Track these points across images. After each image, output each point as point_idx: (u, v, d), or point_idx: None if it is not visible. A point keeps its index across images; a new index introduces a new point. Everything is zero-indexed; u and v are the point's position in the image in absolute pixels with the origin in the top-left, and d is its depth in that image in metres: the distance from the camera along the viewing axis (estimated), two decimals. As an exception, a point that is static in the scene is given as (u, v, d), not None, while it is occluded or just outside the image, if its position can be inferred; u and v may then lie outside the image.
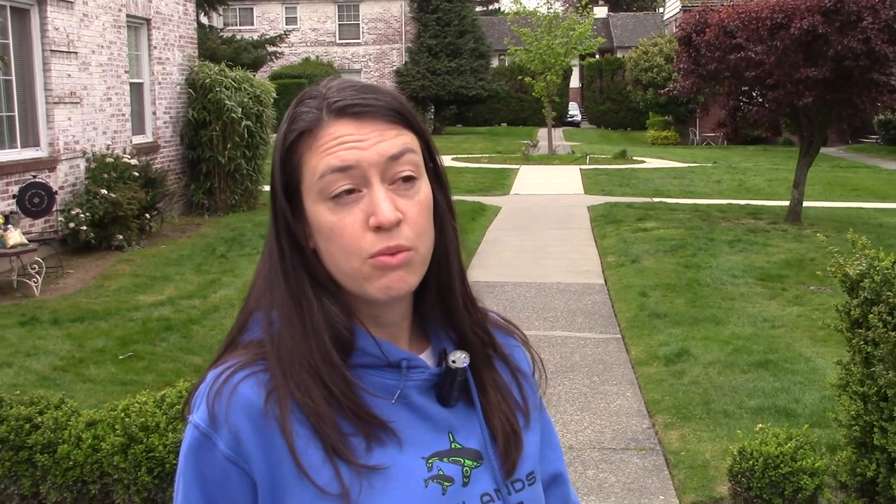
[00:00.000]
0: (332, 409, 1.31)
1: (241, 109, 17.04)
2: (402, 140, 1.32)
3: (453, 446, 1.39)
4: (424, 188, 1.35)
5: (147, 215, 14.35)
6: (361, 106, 1.32)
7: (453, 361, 1.40)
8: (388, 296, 1.33)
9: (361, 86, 1.36)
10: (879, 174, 28.63)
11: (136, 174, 14.17)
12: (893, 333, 4.75)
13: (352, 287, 1.34)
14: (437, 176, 1.41)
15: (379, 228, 1.29)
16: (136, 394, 5.49)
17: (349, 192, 1.30)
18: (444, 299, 1.44)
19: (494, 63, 55.68)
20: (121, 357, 8.21)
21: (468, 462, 1.39)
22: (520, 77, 38.65)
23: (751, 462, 4.83)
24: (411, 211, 1.31)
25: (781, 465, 4.77)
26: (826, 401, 6.87)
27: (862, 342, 5.04)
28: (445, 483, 1.36)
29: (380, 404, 1.35)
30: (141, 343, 8.68)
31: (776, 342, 8.80)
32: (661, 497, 5.57)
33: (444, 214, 1.41)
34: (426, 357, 1.44)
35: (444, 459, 1.37)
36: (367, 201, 1.30)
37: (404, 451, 1.34)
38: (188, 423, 1.34)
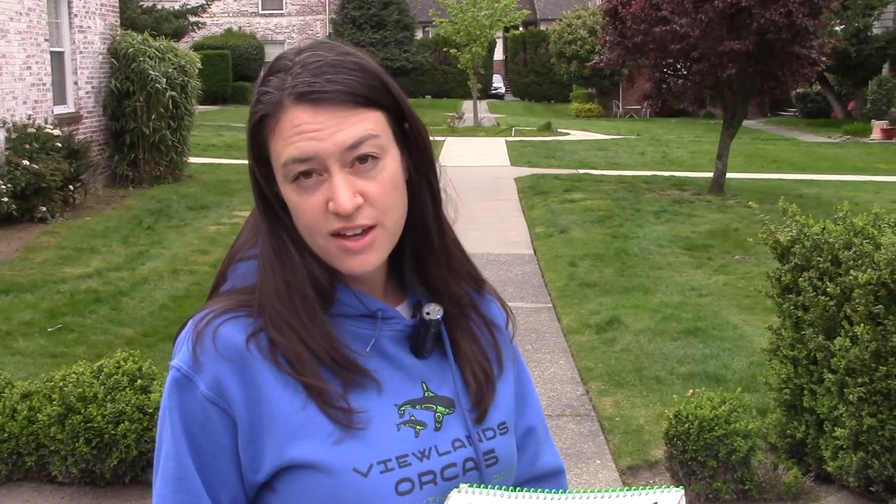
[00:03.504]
0: (311, 355, 1.35)
1: (165, 80, 16.77)
2: (361, 128, 1.33)
3: (426, 394, 1.44)
4: (390, 165, 1.37)
5: (71, 187, 14.08)
6: (319, 93, 1.32)
7: (427, 313, 1.45)
8: (354, 274, 1.39)
9: (327, 63, 1.35)
10: (798, 146, 29.18)
11: (59, 145, 13.89)
12: (823, 298, 4.88)
13: (322, 258, 1.40)
14: (412, 139, 1.43)
15: (336, 213, 1.33)
16: (72, 365, 5.43)
17: (307, 174, 1.33)
18: (419, 258, 1.47)
19: (419, 35, 55.50)
20: (50, 329, 8.08)
21: (440, 409, 1.44)
22: (445, 49, 38.68)
23: (686, 425, 4.94)
24: (374, 190, 1.34)
25: (716, 428, 4.88)
26: (754, 366, 7.03)
27: (792, 307, 5.18)
28: (418, 427, 1.41)
29: (356, 352, 1.39)
30: (70, 315, 8.55)
31: (704, 310, 8.96)
32: (598, 461, 5.67)
33: (418, 180, 1.44)
34: (402, 310, 1.48)
35: (417, 406, 1.42)
36: (328, 187, 1.33)
37: (379, 398, 1.39)
38: (170, 367, 1.38)
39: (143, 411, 5.00)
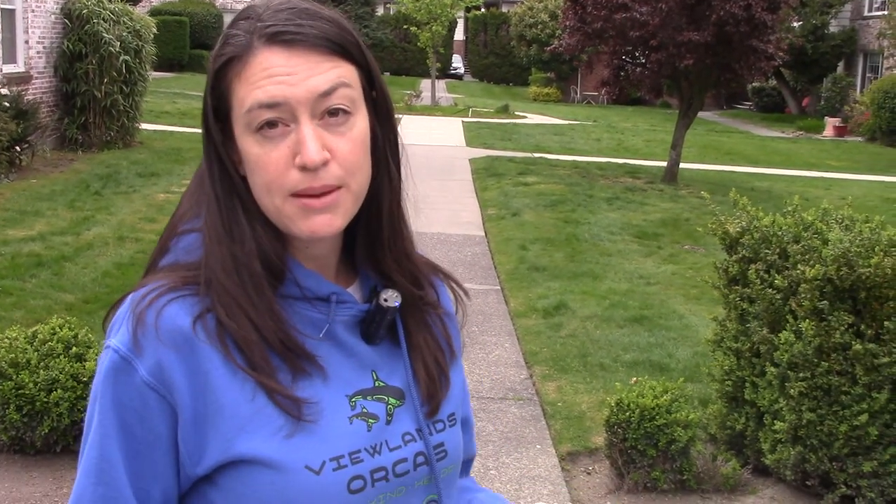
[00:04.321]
0: (260, 338, 1.25)
1: (119, 43, 16.48)
2: (335, 73, 1.25)
3: (377, 384, 1.35)
4: (360, 123, 1.29)
5: (17, 148, 13.81)
6: (293, 34, 1.24)
7: (385, 300, 1.36)
8: (312, 237, 1.28)
9: (300, 9, 1.27)
10: (752, 140, 29.41)
11: (7, 105, 13.61)
12: (770, 291, 4.87)
13: (276, 223, 1.29)
14: (378, 108, 1.36)
15: (304, 168, 1.23)
16: (6, 330, 5.30)
17: (273, 124, 1.24)
18: (373, 237, 1.38)
19: (380, 11, 55.20)
20: (-13, 292, 7.91)
21: (392, 400, 1.36)
22: (405, 26, 38.42)
23: (627, 413, 4.92)
24: (342, 148, 1.25)
25: (657, 417, 4.87)
26: (698, 356, 7.04)
27: (738, 299, 5.17)
28: (370, 420, 1.32)
29: (307, 336, 1.30)
30: (9, 279, 8.38)
31: (651, 298, 8.98)
32: (538, 446, 5.64)
33: (381, 149, 1.36)
34: (353, 291, 1.39)
35: (368, 397, 1.33)
36: (294, 138, 1.24)
37: (328, 387, 1.30)
38: (105, 347, 1.27)
39: (78, 380, 4.89)
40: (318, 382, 1.29)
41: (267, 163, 1.24)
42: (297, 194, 1.24)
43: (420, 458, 1.36)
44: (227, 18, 46.20)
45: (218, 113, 1.29)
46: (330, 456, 1.26)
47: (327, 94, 1.24)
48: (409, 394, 1.38)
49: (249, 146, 1.25)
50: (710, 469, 5.07)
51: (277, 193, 1.25)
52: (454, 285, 1.55)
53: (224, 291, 1.26)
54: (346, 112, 1.26)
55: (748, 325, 5.08)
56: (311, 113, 1.23)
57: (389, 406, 1.35)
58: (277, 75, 1.23)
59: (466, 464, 1.62)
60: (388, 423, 1.34)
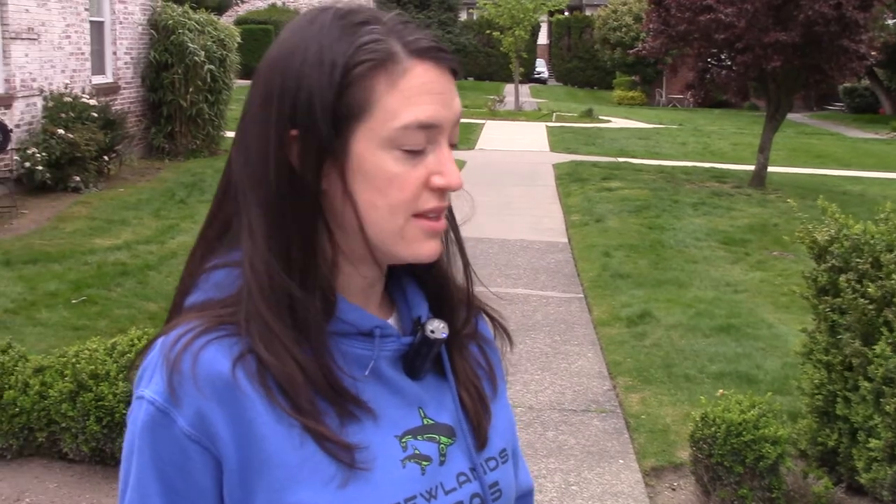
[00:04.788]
0: (307, 380, 1.15)
1: (204, 53, 16.70)
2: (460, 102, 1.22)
3: (425, 422, 1.25)
4: None
5: (105, 157, 14.05)
6: (443, 53, 1.17)
7: (432, 331, 1.26)
8: (425, 261, 1.21)
9: (423, 27, 1.21)
10: (843, 142, 28.74)
11: (95, 115, 13.85)
12: (862, 301, 4.68)
13: (380, 244, 1.19)
14: None
15: (444, 190, 1.19)
16: (87, 340, 5.34)
17: (420, 143, 1.17)
18: (424, 266, 1.29)
19: (463, 16, 55.24)
20: (74, 301, 8.02)
21: (443, 439, 1.26)
22: (488, 31, 38.29)
23: (713, 429, 4.76)
24: None
25: (744, 433, 4.71)
26: (788, 368, 6.83)
27: (828, 310, 4.99)
28: (423, 462, 1.23)
29: (352, 377, 1.20)
30: (95, 287, 8.49)
31: (738, 307, 8.76)
32: (621, 461, 5.51)
33: None
34: (393, 323, 1.29)
35: (419, 437, 1.24)
36: (434, 160, 1.17)
37: (378, 429, 1.20)
38: (137, 397, 1.17)
39: (156, 391, 4.89)
40: (368, 425, 1.19)
41: (406, 182, 1.16)
42: (418, 215, 1.18)
43: (476, 500, 1.27)
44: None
45: (341, 118, 1.15)
46: None
47: (458, 120, 1.21)
48: (461, 431, 1.29)
49: (386, 162, 1.15)
50: (800, 487, 4.89)
51: (402, 214, 1.17)
52: (495, 318, 1.44)
53: (269, 330, 1.15)
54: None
55: (839, 338, 4.89)
56: (449, 136, 1.19)
57: (441, 445, 1.26)
58: (435, 93, 1.17)
59: (525, 498, 1.51)
60: (442, 463, 1.25)
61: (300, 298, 1.16)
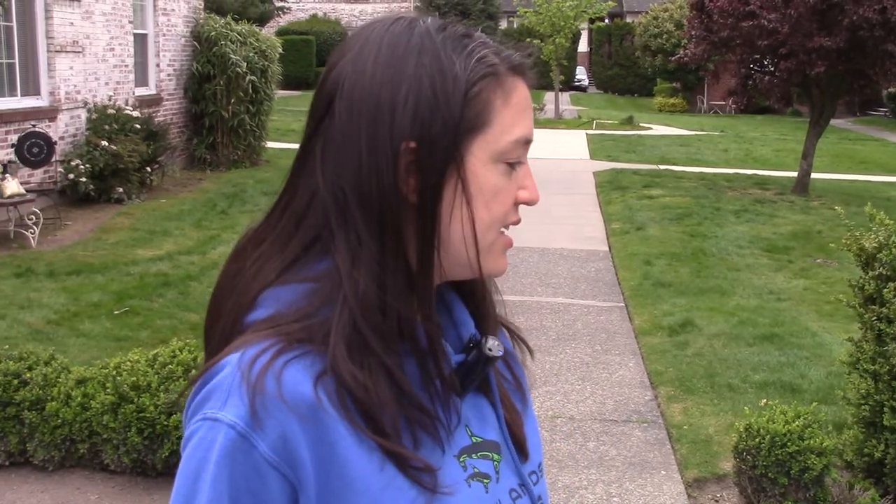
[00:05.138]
0: (395, 400, 1.12)
1: (246, 64, 16.80)
2: None
3: (474, 440, 1.23)
4: None
5: (148, 168, 14.18)
6: (529, 70, 1.20)
7: (489, 350, 1.22)
8: (496, 275, 1.21)
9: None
10: (887, 147, 28.41)
11: (138, 126, 13.97)
12: (909, 312, 4.60)
13: (472, 259, 1.16)
14: None
15: (527, 204, 1.20)
16: (129, 351, 5.37)
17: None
18: (472, 283, 1.28)
19: (503, 24, 55.23)
20: (116, 312, 8.07)
21: (495, 456, 1.24)
22: (528, 39, 38.26)
23: (757, 440, 4.70)
24: None
25: (788, 444, 4.64)
26: (833, 377, 6.74)
27: (875, 319, 4.91)
28: (485, 481, 1.20)
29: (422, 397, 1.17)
30: (137, 298, 8.55)
31: (782, 315, 8.66)
32: (663, 472, 5.45)
33: None
34: None
35: (473, 455, 1.21)
36: (521, 174, 1.19)
37: (440, 450, 1.17)
38: (209, 419, 1.07)
39: (197, 402, 4.90)
40: (436, 447, 1.16)
41: (507, 196, 1.17)
42: (506, 227, 1.20)
43: None
44: (352, 36, 46.93)
45: (468, 130, 1.14)
46: None
47: None
48: (506, 446, 1.27)
49: (494, 175, 1.16)
50: (846, 499, 4.81)
51: (497, 228, 1.18)
52: (513, 330, 1.41)
53: (367, 349, 1.10)
54: None
55: (886, 347, 4.81)
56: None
57: (495, 462, 1.24)
58: (530, 108, 1.20)
59: None
60: (497, 481, 1.23)
61: (406, 317, 1.12)
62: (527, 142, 1.18)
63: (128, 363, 5.07)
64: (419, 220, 1.13)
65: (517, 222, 1.20)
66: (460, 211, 1.14)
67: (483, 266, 1.17)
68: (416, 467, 1.11)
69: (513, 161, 1.16)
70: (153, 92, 16.19)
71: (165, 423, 4.84)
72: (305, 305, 1.12)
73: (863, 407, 5.02)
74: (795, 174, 17.19)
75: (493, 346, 1.23)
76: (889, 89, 36.70)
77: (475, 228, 1.15)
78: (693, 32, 16.73)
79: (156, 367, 5.03)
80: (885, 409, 4.86)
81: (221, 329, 1.17)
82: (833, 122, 21.23)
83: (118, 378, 4.95)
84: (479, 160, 1.14)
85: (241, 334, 1.13)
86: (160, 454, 4.89)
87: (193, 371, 5.02)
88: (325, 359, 1.09)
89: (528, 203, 1.19)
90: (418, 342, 1.14)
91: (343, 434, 1.08)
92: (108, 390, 4.96)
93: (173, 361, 5.05)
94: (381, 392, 1.10)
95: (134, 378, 4.93)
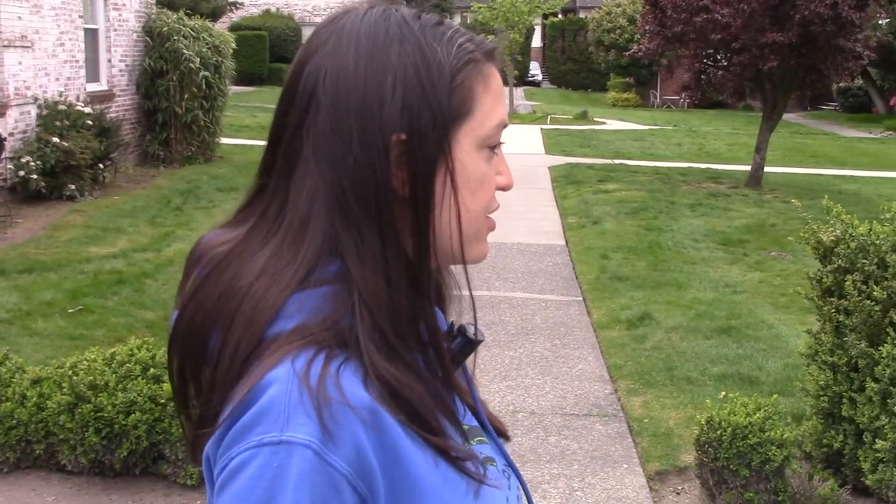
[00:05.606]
0: (432, 396, 1.10)
1: (199, 59, 16.63)
2: None
3: (464, 427, 1.20)
4: None
5: (100, 165, 13.99)
6: (500, 55, 1.21)
7: (475, 334, 1.22)
8: (478, 261, 1.20)
9: None
10: (838, 141, 28.75)
11: (90, 123, 13.79)
12: (868, 302, 4.65)
13: (458, 248, 1.15)
14: None
15: (503, 190, 1.21)
16: (85, 350, 5.29)
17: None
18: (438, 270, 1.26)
19: (457, 19, 55.16)
20: (70, 310, 7.96)
21: (486, 440, 1.24)
22: (482, 34, 38.30)
23: (718, 432, 4.72)
24: None
25: (750, 436, 4.66)
26: (790, 369, 6.79)
27: (833, 311, 4.94)
28: (492, 464, 1.20)
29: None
30: (91, 296, 8.43)
31: (738, 308, 8.72)
32: (625, 465, 5.46)
33: None
34: None
35: (475, 441, 1.20)
36: (497, 159, 1.20)
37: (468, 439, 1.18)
38: (269, 444, 0.98)
39: (155, 401, 4.83)
40: (460, 435, 1.15)
41: (491, 181, 1.18)
42: (489, 213, 1.20)
43: (519, 491, 1.26)
44: (306, 31, 46.73)
45: (454, 118, 1.12)
46: None
47: None
48: (488, 429, 1.26)
49: (479, 162, 1.15)
50: (806, 489, 4.84)
51: (483, 215, 1.18)
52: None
53: (386, 349, 1.06)
54: None
55: (845, 339, 4.85)
56: None
57: (488, 446, 1.24)
58: (503, 93, 1.21)
59: None
60: (494, 463, 1.23)
61: (420, 313, 1.11)
62: (504, 125, 1.17)
63: (84, 362, 4.99)
64: (413, 212, 1.10)
65: (497, 208, 1.19)
66: (449, 201, 1.12)
67: (467, 254, 1.16)
68: (462, 458, 1.10)
69: (494, 145, 1.16)
70: (105, 88, 15.99)
71: (124, 422, 4.77)
72: (329, 311, 1.06)
73: (822, 398, 5.06)
74: (748, 168, 17.34)
75: (475, 331, 1.23)
76: (839, 84, 37.13)
77: (462, 217, 1.13)
78: (646, 27, 16.81)
79: (113, 365, 4.96)
80: (844, 401, 4.90)
81: (235, 347, 1.05)
82: (784, 116, 21.45)
83: (75, 377, 4.88)
84: (465, 148, 1.13)
85: (267, 349, 1.04)
86: (118, 454, 4.82)
87: (152, 370, 4.95)
88: (361, 362, 1.05)
89: (505, 188, 1.19)
90: (420, 336, 1.12)
91: (401, 434, 1.04)
92: (64, 390, 4.88)
93: (131, 360, 4.98)
94: (419, 389, 1.07)
95: (91, 377, 4.85)
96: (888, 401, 4.54)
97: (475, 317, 1.24)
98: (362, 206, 1.08)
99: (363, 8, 1.15)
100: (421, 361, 1.12)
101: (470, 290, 1.24)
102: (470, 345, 1.22)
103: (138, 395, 4.81)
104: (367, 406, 1.01)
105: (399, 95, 1.08)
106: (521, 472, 1.29)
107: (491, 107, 1.15)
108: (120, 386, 4.85)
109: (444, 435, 1.09)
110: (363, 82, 1.08)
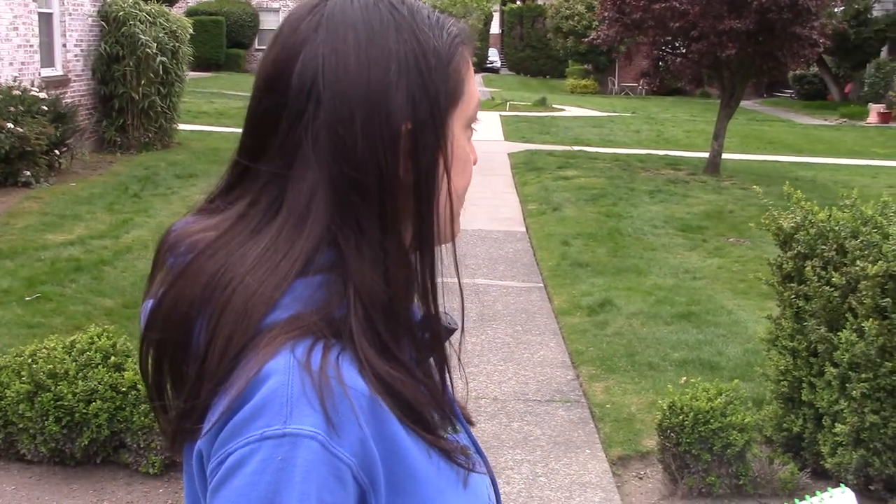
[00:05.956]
0: (422, 387, 1.10)
1: (156, 45, 16.47)
2: None
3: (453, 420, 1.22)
4: None
5: (56, 151, 13.82)
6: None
7: (450, 322, 1.22)
8: (451, 240, 1.19)
9: None
10: (794, 128, 29.00)
11: (45, 108, 13.60)
12: (827, 288, 4.69)
13: (448, 229, 1.16)
14: None
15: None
16: (44, 338, 5.22)
17: None
18: None
19: (415, 6, 55.00)
20: (27, 298, 7.86)
21: (460, 428, 1.23)
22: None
23: (681, 417, 4.76)
24: None
25: (711, 421, 4.71)
26: (749, 354, 6.86)
27: (793, 296, 4.99)
28: (469, 452, 1.18)
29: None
30: (49, 284, 8.33)
31: (698, 294, 8.78)
32: (588, 451, 5.49)
33: None
34: None
35: (449, 431, 1.18)
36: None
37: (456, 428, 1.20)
38: (272, 437, 0.96)
39: (117, 390, 4.79)
40: (449, 424, 1.16)
41: (471, 161, 1.20)
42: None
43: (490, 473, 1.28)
44: (263, 17, 46.42)
45: (449, 102, 1.13)
46: (492, 491, 1.23)
47: None
48: (459, 417, 1.25)
49: (466, 143, 1.18)
50: (766, 473, 4.90)
51: (464, 194, 1.20)
52: None
53: (378, 343, 1.05)
54: None
55: (805, 324, 4.90)
56: None
57: (462, 435, 1.23)
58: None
59: None
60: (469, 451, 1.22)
61: (410, 293, 1.12)
62: (480, 103, 1.21)
63: (44, 350, 4.93)
64: (417, 199, 1.09)
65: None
66: (444, 183, 1.11)
67: (447, 230, 1.16)
68: (453, 449, 1.11)
69: (474, 122, 1.18)
70: (60, 73, 15.78)
71: (84, 411, 4.72)
72: (323, 301, 1.05)
73: (781, 383, 5.11)
74: (707, 155, 17.45)
75: (452, 319, 1.23)
76: (796, 71, 37.45)
77: (454, 198, 1.14)
78: (605, 14, 16.83)
79: (73, 354, 4.90)
80: (804, 385, 4.96)
81: (227, 340, 1.02)
82: (742, 103, 21.61)
83: (34, 366, 4.82)
84: (456, 131, 1.14)
85: (262, 340, 1.01)
86: (79, 443, 4.78)
87: (113, 358, 4.90)
88: (355, 353, 1.03)
89: (474, 163, 1.21)
90: (413, 331, 1.12)
91: (397, 425, 1.04)
92: (23, 378, 4.82)
93: (91, 348, 4.92)
94: (410, 383, 1.06)
95: (51, 366, 4.80)
96: (847, 385, 4.59)
97: (462, 305, 1.24)
98: (366, 198, 1.06)
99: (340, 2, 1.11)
100: (412, 351, 1.11)
101: (459, 279, 1.23)
102: (449, 334, 1.21)
103: (99, 383, 4.76)
104: (366, 396, 1.00)
105: (403, 84, 1.07)
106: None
107: (473, 87, 1.17)
108: (80, 374, 4.80)
109: (438, 430, 1.09)
110: (366, 72, 1.06)
